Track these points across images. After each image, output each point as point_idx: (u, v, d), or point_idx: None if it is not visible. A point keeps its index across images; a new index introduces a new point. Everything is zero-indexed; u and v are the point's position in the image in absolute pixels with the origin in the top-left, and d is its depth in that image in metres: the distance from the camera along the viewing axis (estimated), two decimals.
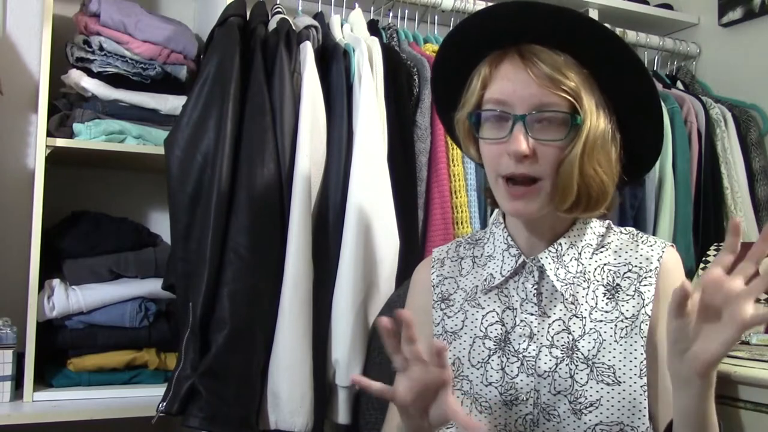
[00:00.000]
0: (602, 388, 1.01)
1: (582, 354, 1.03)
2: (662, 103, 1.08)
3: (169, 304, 1.78)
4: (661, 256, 1.06)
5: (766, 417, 1.30)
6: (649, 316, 1.03)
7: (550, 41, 1.00)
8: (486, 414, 1.06)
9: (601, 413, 1.00)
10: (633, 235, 1.10)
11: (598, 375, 1.02)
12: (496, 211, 1.16)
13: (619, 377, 1.01)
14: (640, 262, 1.06)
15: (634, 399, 1.01)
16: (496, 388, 1.06)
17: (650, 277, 1.04)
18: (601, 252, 1.09)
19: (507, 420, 1.05)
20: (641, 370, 1.02)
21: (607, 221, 1.12)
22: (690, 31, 2.46)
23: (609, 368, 1.02)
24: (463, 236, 1.24)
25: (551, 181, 1.00)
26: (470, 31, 1.07)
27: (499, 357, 1.07)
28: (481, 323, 1.10)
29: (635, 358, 1.02)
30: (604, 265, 1.07)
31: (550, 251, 1.06)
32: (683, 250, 1.97)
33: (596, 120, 1.00)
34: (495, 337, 1.08)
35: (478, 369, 1.08)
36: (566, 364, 1.03)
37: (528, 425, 1.04)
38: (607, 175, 1.02)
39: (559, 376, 1.03)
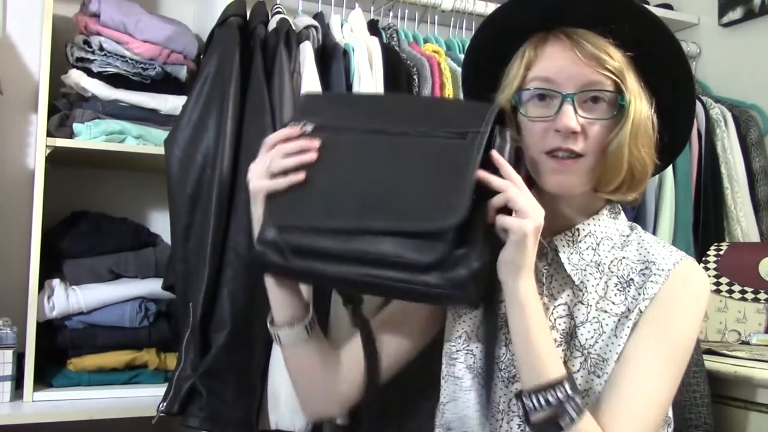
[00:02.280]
0: (592, 380, 1.01)
1: (579, 342, 1.03)
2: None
3: (169, 304, 1.78)
4: (677, 262, 1.04)
5: (766, 417, 1.30)
6: (641, 312, 1.01)
7: (591, 24, 1.01)
8: (486, 390, 1.06)
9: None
10: (657, 239, 1.10)
11: (591, 366, 1.01)
12: None
13: (606, 371, 1.00)
14: (656, 261, 1.05)
15: None
16: (497, 364, 1.06)
17: (659, 275, 1.03)
18: (621, 249, 1.08)
19: (507, 395, 1.05)
20: None
21: (633, 223, 1.13)
22: (690, 31, 2.46)
23: (603, 361, 1.01)
24: None
25: (593, 159, 1.01)
26: (514, 12, 1.07)
27: (504, 334, 1.07)
28: (493, 299, 1.09)
29: (619, 352, 1.01)
30: (623, 258, 1.07)
31: (566, 234, 1.07)
32: (683, 250, 1.96)
33: (641, 102, 1.02)
34: (503, 314, 1.07)
35: (483, 344, 1.09)
36: (562, 350, 1.03)
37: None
38: (649, 157, 1.03)
39: None
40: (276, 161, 1.00)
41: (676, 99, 1.07)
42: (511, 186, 0.92)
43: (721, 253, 1.84)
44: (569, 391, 0.93)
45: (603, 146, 1.01)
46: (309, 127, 1.01)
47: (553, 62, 1.01)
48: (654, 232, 1.95)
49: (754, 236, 2.11)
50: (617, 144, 1.00)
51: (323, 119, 1.02)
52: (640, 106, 1.01)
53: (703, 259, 1.86)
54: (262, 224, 1.02)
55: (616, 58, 1.00)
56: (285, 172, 1.00)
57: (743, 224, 2.08)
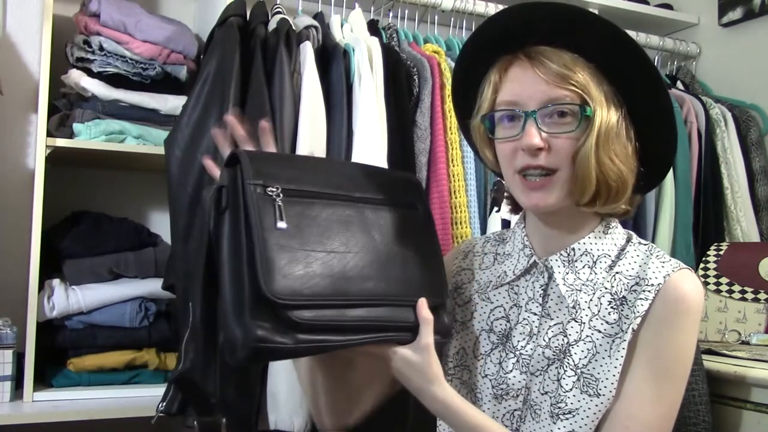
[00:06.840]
0: (584, 398, 1.00)
1: (573, 361, 1.02)
2: (670, 95, 1.07)
3: (169, 304, 1.78)
4: (668, 275, 1.01)
5: (767, 417, 1.30)
6: (634, 331, 1.00)
7: (555, 40, 1.02)
8: (478, 405, 1.08)
9: (575, 422, 1.00)
10: (650, 248, 1.08)
11: (583, 385, 1.01)
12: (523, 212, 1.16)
13: (600, 390, 1.00)
14: (647, 276, 1.03)
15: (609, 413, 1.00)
16: (490, 380, 1.08)
17: (649, 291, 1.01)
18: (618, 264, 1.07)
19: (495, 413, 1.07)
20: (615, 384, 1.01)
21: (630, 232, 1.12)
22: (690, 31, 2.46)
23: (596, 380, 1.01)
24: (493, 233, 1.26)
25: (568, 172, 1.01)
26: (482, 38, 1.10)
27: (499, 352, 1.09)
28: (488, 317, 1.12)
29: (618, 373, 1.00)
30: (616, 273, 1.06)
31: (561, 255, 1.07)
32: (683, 250, 1.97)
33: (607, 111, 1.01)
34: (499, 332, 1.10)
35: (479, 360, 1.11)
36: (556, 368, 1.03)
37: (515, 420, 1.05)
38: (625, 165, 1.02)
39: (548, 377, 1.03)
40: None
41: (649, 110, 1.05)
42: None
43: (721, 253, 1.84)
44: None
45: (573, 159, 1.01)
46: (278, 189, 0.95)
47: (516, 84, 1.04)
48: (654, 232, 1.95)
49: (754, 236, 2.11)
50: (584, 154, 1.00)
51: (281, 182, 0.97)
52: (607, 115, 1.01)
53: (703, 259, 1.86)
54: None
55: (578, 72, 1.00)
56: None
57: (743, 224, 2.09)
